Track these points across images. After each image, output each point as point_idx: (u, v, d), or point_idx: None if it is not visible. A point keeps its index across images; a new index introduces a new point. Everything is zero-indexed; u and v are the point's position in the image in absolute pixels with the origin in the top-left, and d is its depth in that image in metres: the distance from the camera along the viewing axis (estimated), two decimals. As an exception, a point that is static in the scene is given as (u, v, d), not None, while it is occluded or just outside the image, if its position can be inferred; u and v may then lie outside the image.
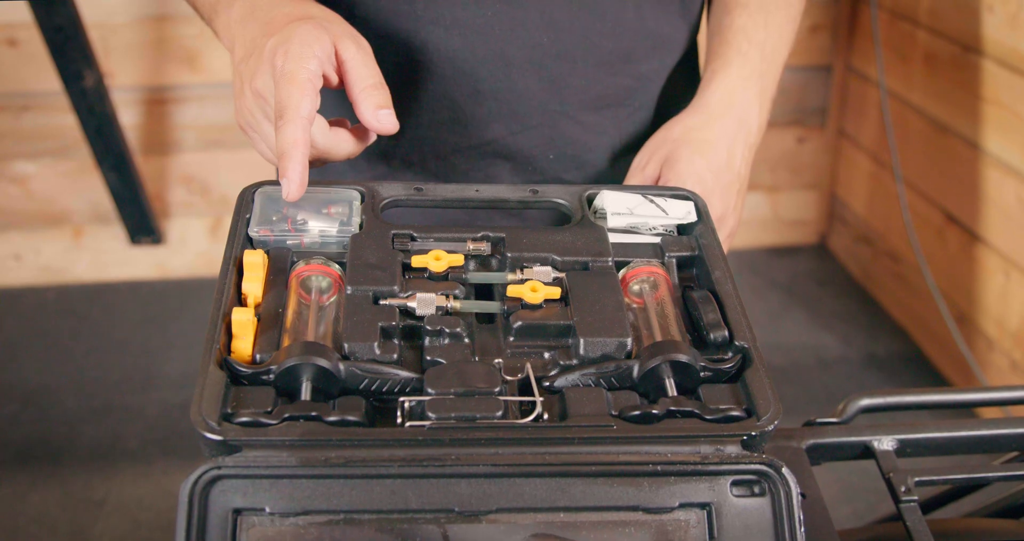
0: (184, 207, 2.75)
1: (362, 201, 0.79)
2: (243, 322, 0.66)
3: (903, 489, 0.77)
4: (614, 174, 1.03)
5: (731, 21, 1.00)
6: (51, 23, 2.18)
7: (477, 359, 0.68)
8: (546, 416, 0.64)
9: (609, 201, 0.79)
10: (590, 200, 0.82)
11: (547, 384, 0.67)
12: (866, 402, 0.87)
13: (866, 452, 0.82)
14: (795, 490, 0.63)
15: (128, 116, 2.57)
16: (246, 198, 0.78)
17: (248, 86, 0.80)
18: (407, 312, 0.70)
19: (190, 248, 2.78)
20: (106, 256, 2.76)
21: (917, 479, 0.77)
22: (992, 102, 2.10)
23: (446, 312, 0.70)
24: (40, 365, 2.45)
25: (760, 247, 2.96)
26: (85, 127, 2.39)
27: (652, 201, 0.80)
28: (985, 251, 2.19)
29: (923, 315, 2.48)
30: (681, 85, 1.05)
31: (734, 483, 0.63)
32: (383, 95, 0.80)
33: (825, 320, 2.65)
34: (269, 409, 0.62)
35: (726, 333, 0.70)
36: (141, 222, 2.66)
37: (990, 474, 0.83)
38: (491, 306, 0.72)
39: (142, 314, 2.65)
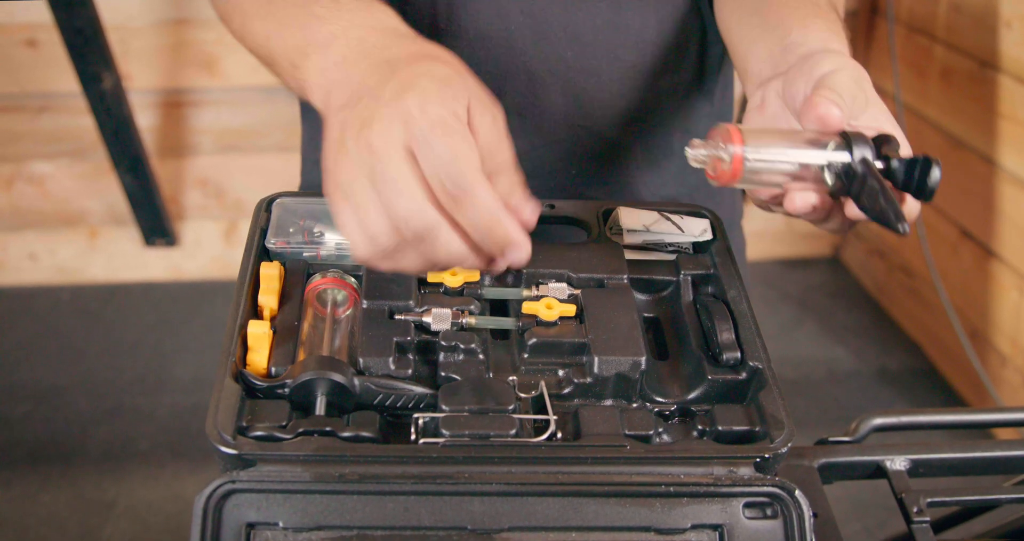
0: (199, 210, 2.76)
1: (379, 214, 0.79)
2: (259, 335, 0.67)
3: (915, 510, 0.76)
4: (636, 190, 1.03)
5: None
6: (71, 25, 2.19)
7: (491, 375, 0.68)
8: (560, 435, 0.64)
9: (625, 218, 0.80)
10: (606, 216, 0.82)
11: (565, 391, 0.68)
12: (879, 421, 0.87)
13: (878, 471, 0.82)
14: (807, 513, 0.63)
15: (145, 119, 2.58)
16: (263, 209, 0.78)
17: (357, 137, 0.61)
18: (422, 327, 0.70)
19: (204, 251, 2.79)
20: (121, 257, 2.78)
21: (929, 500, 0.77)
22: (1009, 118, 2.09)
23: (461, 328, 0.70)
24: (53, 365, 2.46)
25: (774, 259, 2.95)
26: (102, 129, 2.40)
27: (668, 218, 0.80)
28: (999, 267, 2.18)
29: (936, 330, 2.48)
30: (697, 100, 1.04)
31: (747, 505, 0.63)
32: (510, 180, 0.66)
33: (838, 334, 2.64)
34: (284, 423, 0.62)
35: (738, 354, 0.70)
36: (156, 224, 2.67)
37: (1002, 496, 0.82)
38: (506, 322, 0.72)
39: (155, 316, 2.66)
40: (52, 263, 2.76)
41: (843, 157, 0.67)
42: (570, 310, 0.71)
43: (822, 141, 0.67)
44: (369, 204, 0.60)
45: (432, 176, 0.60)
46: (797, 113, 0.70)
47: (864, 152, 0.66)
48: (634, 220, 0.79)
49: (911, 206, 0.70)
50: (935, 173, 0.65)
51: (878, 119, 0.72)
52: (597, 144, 0.99)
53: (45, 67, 2.50)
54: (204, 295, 2.73)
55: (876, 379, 2.48)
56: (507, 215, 0.61)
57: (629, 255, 0.78)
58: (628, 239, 0.79)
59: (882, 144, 0.68)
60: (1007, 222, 2.14)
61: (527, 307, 0.71)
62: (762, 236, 2.90)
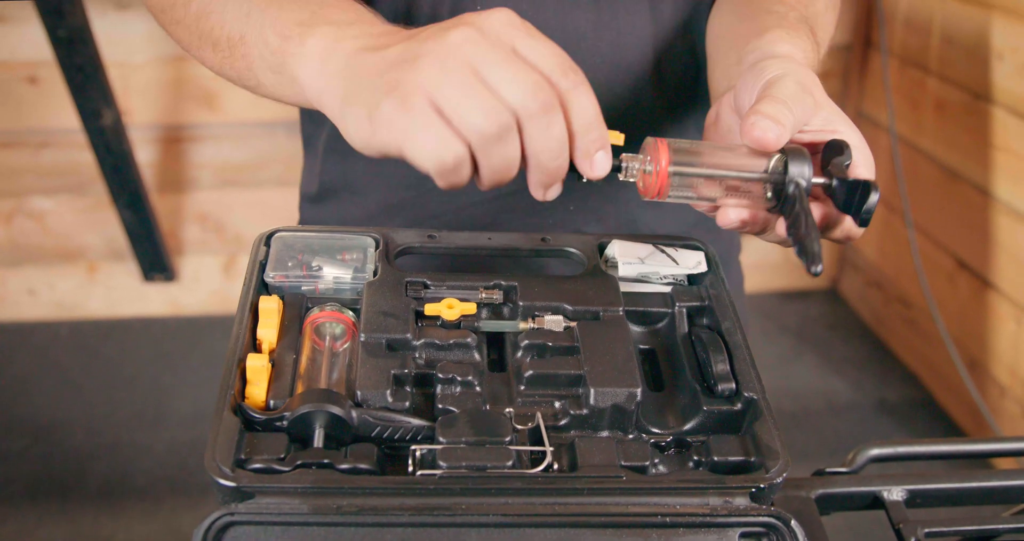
0: (198, 245, 2.76)
1: (376, 248, 0.80)
2: (257, 368, 0.67)
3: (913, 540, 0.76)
4: (634, 227, 1.04)
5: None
6: (71, 62, 2.21)
7: (488, 407, 0.68)
8: (556, 466, 0.64)
9: (620, 250, 0.80)
10: (601, 249, 0.83)
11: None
12: (876, 452, 0.87)
13: (876, 502, 0.82)
14: (804, 543, 0.63)
15: (145, 154, 2.59)
16: (262, 243, 0.79)
17: (442, 41, 0.61)
18: (419, 360, 0.71)
19: (203, 286, 2.80)
20: (119, 292, 2.78)
21: (927, 530, 0.77)
22: (1003, 149, 2.11)
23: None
24: (50, 401, 2.45)
25: (771, 291, 2.96)
26: (102, 164, 2.42)
27: (663, 251, 0.81)
28: (996, 298, 2.19)
29: (934, 361, 2.48)
30: (694, 137, 1.05)
31: (743, 535, 0.64)
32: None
33: (836, 365, 2.64)
34: (282, 456, 0.62)
35: (733, 385, 0.70)
36: (155, 259, 2.67)
37: (1001, 526, 0.82)
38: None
39: (154, 351, 2.66)
40: (51, 298, 2.76)
41: (777, 176, 0.68)
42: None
43: (765, 154, 0.68)
44: (476, 87, 0.59)
45: (546, 64, 0.61)
46: None
47: (800, 173, 0.67)
48: (629, 253, 0.80)
49: (849, 228, 0.71)
50: (872, 199, 0.66)
51: (832, 122, 0.72)
52: (595, 181, 1.00)
53: (46, 103, 2.52)
54: (203, 330, 2.73)
55: (875, 410, 2.47)
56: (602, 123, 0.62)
57: (624, 287, 0.78)
58: (623, 271, 0.79)
59: (833, 155, 0.68)
60: (1003, 253, 2.15)
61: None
62: (759, 268, 2.91)
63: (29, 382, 2.53)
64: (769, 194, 0.69)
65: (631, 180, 0.70)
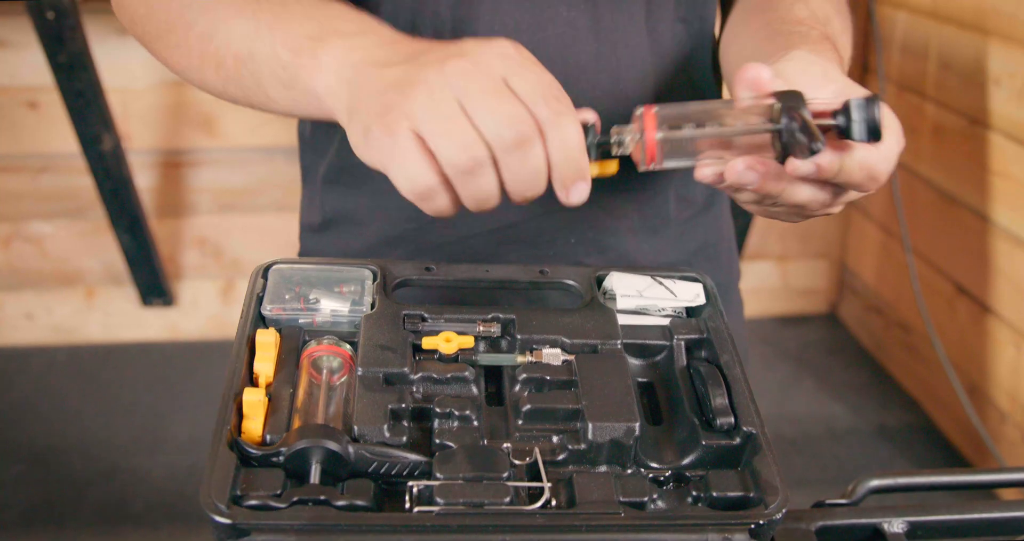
0: (197, 269, 2.76)
1: (374, 280, 0.80)
2: (254, 403, 0.67)
3: (913, 575, 0.76)
4: (634, 258, 1.04)
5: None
6: (72, 88, 2.22)
7: (486, 442, 0.68)
8: (554, 502, 0.64)
9: (618, 283, 0.80)
10: (599, 281, 0.82)
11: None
12: (876, 483, 0.87)
13: (876, 534, 0.82)
14: (803, 580, 0.62)
15: (144, 178, 2.60)
16: (259, 275, 0.79)
17: (440, 67, 0.63)
18: (417, 394, 0.71)
19: (201, 310, 2.79)
20: (117, 317, 2.78)
21: (928, 564, 0.77)
22: (1000, 174, 2.11)
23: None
24: (48, 426, 2.44)
25: (770, 316, 2.96)
26: (101, 189, 2.42)
27: (661, 283, 0.81)
28: (996, 323, 2.18)
29: (934, 386, 2.47)
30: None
31: (742, 572, 0.63)
32: None
33: (835, 390, 2.64)
34: (278, 492, 0.62)
35: (732, 419, 0.70)
36: (153, 284, 2.67)
37: (1003, 559, 0.82)
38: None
39: (152, 376, 2.65)
40: (49, 322, 2.76)
41: (775, 123, 0.67)
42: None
43: (763, 107, 0.68)
44: (455, 118, 0.62)
45: (531, 97, 0.63)
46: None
47: (790, 103, 0.66)
48: (627, 285, 0.80)
49: (865, 156, 0.69)
50: (873, 107, 0.65)
51: (845, 94, 0.70)
52: (595, 213, 1.00)
53: (46, 128, 2.52)
54: (201, 355, 2.72)
55: (875, 436, 2.47)
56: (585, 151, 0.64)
57: (622, 319, 0.78)
58: (621, 304, 0.79)
59: (856, 104, 0.67)
60: (1002, 278, 2.15)
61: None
62: (759, 293, 2.91)
63: (26, 407, 2.52)
64: (774, 144, 0.68)
65: (627, 154, 0.69)
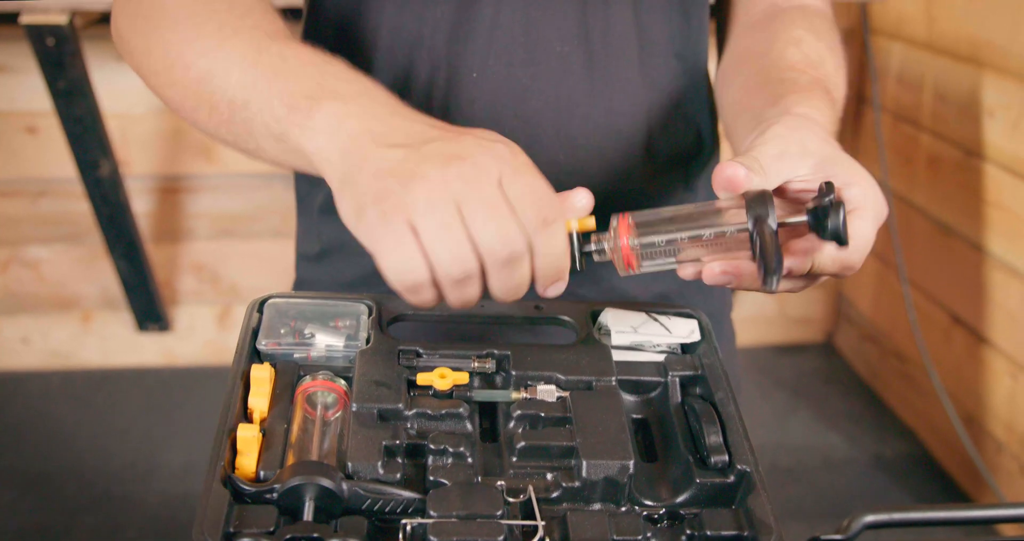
0: (193, 295, 2.76)
1: (370, 315, 0.80)
2: (248, 439, 0.67)
3: (907, 614, 0.76)
4: (626, 288, 1.04)
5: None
6: (71, 113, 2.23)
7: (480, 479, 0.68)
8: (548, 541, 0.64)
9: (613, 319, 0.80)
10: (594, 317, 0.83)
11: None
12: (871, 518, 0.86)
13: (871, 572, 0.82)
14: (797, 621, 0.62)
15: (142, 203, 2.60)
16: (255, 309, 0.79)
17: (444, 165, 0.64)
18: (411, 430, 0.71)
19: (198, 336, 2.79)
20: (113, 342, 2.77)
21: (923, 603, 0.77)
22: (995, 206, 2.12)
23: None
24: (41, 451, 2.43)
25: (766, 345, 2.96)
26: (98, 214, 2.42)
27: (656, 319, 0.81)
28: (992, 353, 2.19)
29: (931, 416, 2.47)
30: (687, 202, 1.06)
31: (736, 612, 0.63)
32: None
33: (832, 420, 2.63)
34: (271, 529, 0.62)
35: (726, 457, 0.70)
36: (149, 309, 2.67)
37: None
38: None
39: (147, 401, 2.64)
40: (44, 347, 2.76)
41: (740, 219, 0.68)
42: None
43: (737, 206, 0.69)
44: (454, 227, 0.64)
45: (522, 206, 0.65)
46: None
47: (758, 209, 0.67)
48: (622, 321, 0.80)
49: (834, 253, 0.71)
50: (837, 215, 0.67)
51: (826, 168, 0.72)
52: None
53: (44, 153, 2.53)
54: (196, 380, 2.72)
55: (871, 466, 2.46)
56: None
57: (617, 356, 0.78)
58: (616, 340, 0.79)
59: (820, 197, 0.68)
60: (997, 308, 2.15)
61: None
62: (755, 322, 2.91)
63: (20, 432, 2.51)
64: (747, 243, 0.69)
65: (607, 260, 0.71)
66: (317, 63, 0.75)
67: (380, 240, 0.65)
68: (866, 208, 0.72)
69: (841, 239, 0.68)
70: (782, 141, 0.73)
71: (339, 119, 0.70)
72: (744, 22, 1.03)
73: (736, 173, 0.69)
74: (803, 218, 0.69)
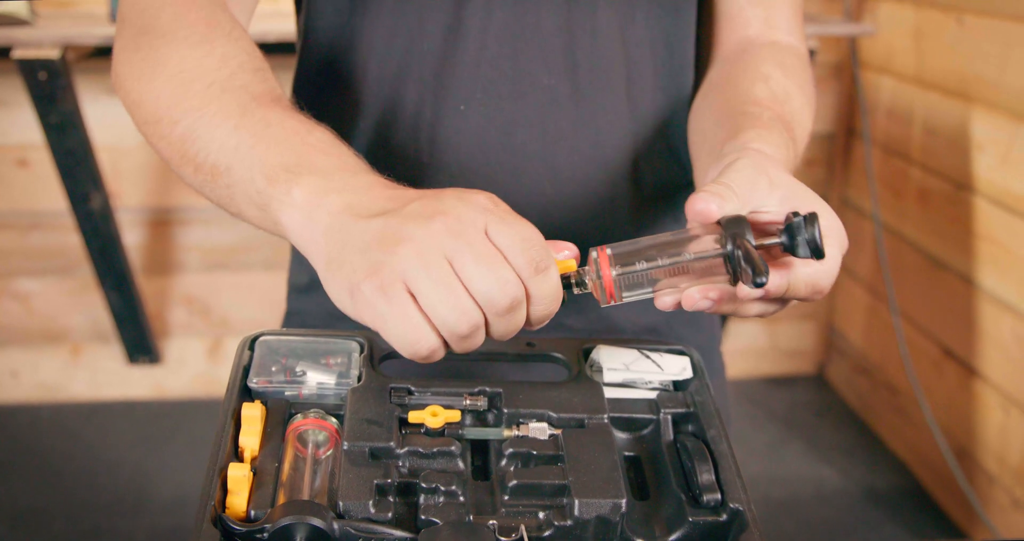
0: (184, 328, 2.76)
1: (361, 352, 0.80)
2: (238, 478, 0.66)
3: None
4: (615, 320, 1.04)
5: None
6: (62, 146, 2.23)
7: (471, 518, 0.68)
8: (539, 581, 0.64)
9: (605, 356, 0.80)
10: (586, 354, 0.83)
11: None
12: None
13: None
14: None
15: (132, 236, 2.60)
16: (246, 347, 0.79)
17: (426, 225, 0.64)
18: (403, 469, 0.70)
19: (188, 369, 2.78)
20: (103, 375, 2.76)
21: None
22: (985, 239, 2.13)
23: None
24: (30, 486, 2.42)
25: (758, 377, 2.96)
26: (89, 247, 2.42)
27: (648, 356, 0.81)
28: (983, 386, 2.19)
29: (922, 449, 2.47)
30: (670, 229, 1.07)
31: None
32: None
33: (824, 452, 2.63)
34: (261, 570, 0.61)
35: (719, 495, 0.70)
36: (139, 341, 2.66)
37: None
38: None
39: (137, 434, 2.63)
40: (34, 380, 2.74)
41: (717, 244, 0.70)
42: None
43: (712, 233, 0.70)
44: (452, 284, 0.63)
45: (513, 254, 0.65)
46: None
47: (735, 230, 0.69)
48: (614, 358, 0.80)
49: (809, 272, 0.72)
50: (813, 227, 0.68)
51: (791, 200, 0.73)
52: None
53: (35, 186, 2.53)
54: (187, 413, 2.70)
55: (863, 499, 2.45)
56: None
57: (609, 393, 0.78)
58: (608, 377, 0.79)
59: (796, 225, 0.69)
60: (988, 341, 2.16)
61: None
62: (745, 354, 2.91)
63: (8, 466, 2.49)
64: (726, 266, 0.71)
65: (588, 292, 0.72)
66: (300, 131, 0.74)
67: (382, 316, 0.64)
68: (831, 236, 0.73)
69: (819, 251, 0.69)
70: (752, 172, 0.74)
71: (318, 194, 0.69)
72: (719, 56, 1.04)
73: (708, 207, 0.71)
74: (777, 240, 0.71)
